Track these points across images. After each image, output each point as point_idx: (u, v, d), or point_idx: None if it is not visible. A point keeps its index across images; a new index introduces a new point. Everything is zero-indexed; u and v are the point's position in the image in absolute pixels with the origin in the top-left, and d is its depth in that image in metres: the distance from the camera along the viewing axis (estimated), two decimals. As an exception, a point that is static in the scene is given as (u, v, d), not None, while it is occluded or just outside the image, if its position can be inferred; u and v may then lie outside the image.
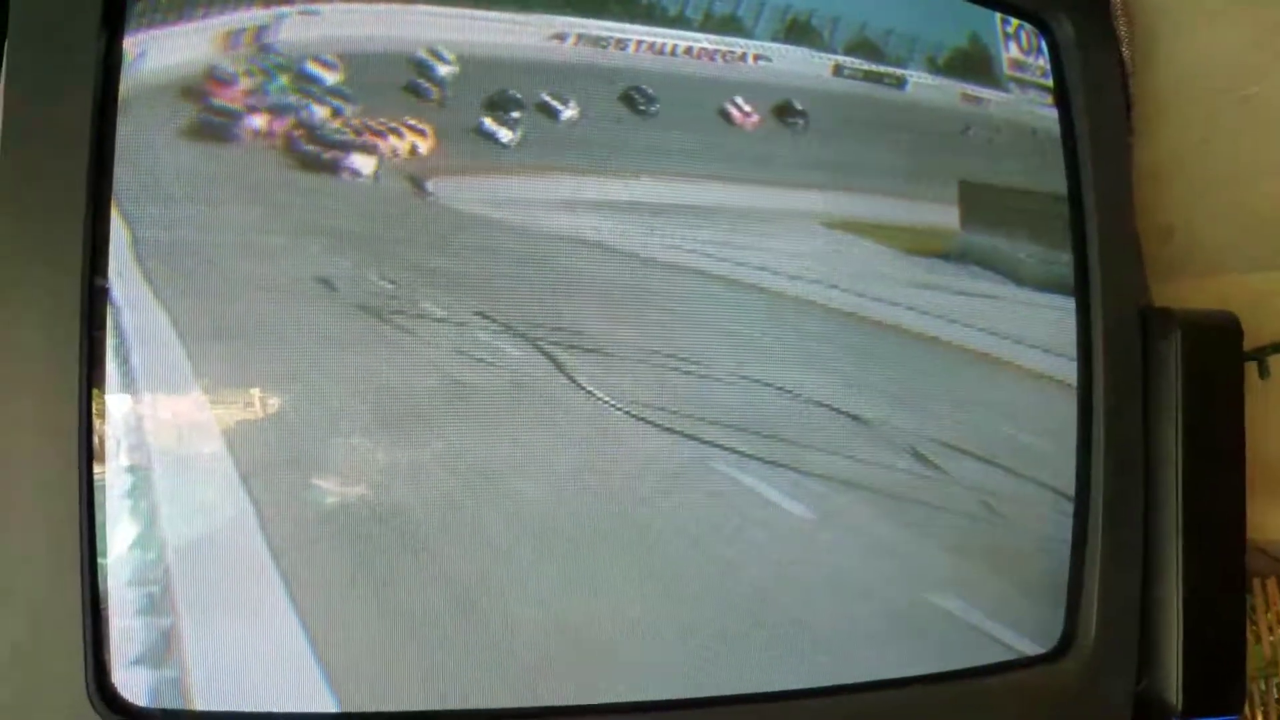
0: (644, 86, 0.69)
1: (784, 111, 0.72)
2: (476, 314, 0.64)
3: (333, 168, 0.62)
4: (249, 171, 0.61)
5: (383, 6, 0.64)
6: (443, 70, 0.64)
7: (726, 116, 0.71)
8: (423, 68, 0.64)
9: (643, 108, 0.69)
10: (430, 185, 0.64)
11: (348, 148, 0.62)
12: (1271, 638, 0.97)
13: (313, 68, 0.62)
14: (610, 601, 0.66)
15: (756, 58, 0.72)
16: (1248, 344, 0.94)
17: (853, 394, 0.72)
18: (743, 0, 0.71)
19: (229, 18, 0.61)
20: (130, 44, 0.59)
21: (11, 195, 0.56)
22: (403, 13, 0.64)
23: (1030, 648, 0.75)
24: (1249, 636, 0.96)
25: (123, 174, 0.58)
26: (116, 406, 0.57)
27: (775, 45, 0.72)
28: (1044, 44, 0.79)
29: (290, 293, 0.61)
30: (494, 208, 0.66)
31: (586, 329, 0.66)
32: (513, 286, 0.65)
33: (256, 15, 0.61)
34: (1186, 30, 0.86)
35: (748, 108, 0.71)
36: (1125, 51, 0.82)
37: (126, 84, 0.58)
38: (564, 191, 0.67)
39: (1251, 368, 0.96)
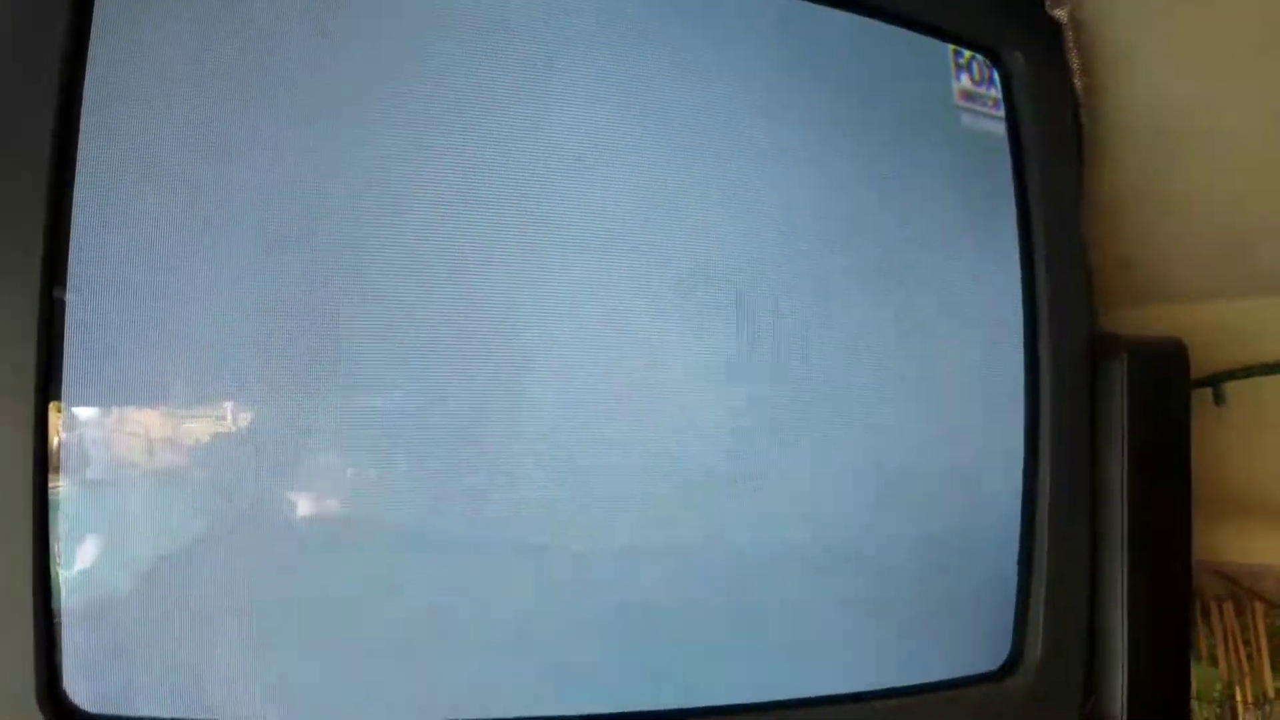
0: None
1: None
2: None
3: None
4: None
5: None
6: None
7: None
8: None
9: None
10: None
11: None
12: (1227, 661, 0.98)
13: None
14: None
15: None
16: (1206, 371, 0.96)
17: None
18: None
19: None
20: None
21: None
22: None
23: (977, 666, 0.76)
24: (1205, 660, 0.97)
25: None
26: (74, 416, 0.58)
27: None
28: (996, 75, 0.81)
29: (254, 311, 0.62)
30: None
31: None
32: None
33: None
34: (1141, 63, 0.87)
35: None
36: (1077, 83, 0.84)
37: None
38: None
39: (1207, 393, 0.98)
